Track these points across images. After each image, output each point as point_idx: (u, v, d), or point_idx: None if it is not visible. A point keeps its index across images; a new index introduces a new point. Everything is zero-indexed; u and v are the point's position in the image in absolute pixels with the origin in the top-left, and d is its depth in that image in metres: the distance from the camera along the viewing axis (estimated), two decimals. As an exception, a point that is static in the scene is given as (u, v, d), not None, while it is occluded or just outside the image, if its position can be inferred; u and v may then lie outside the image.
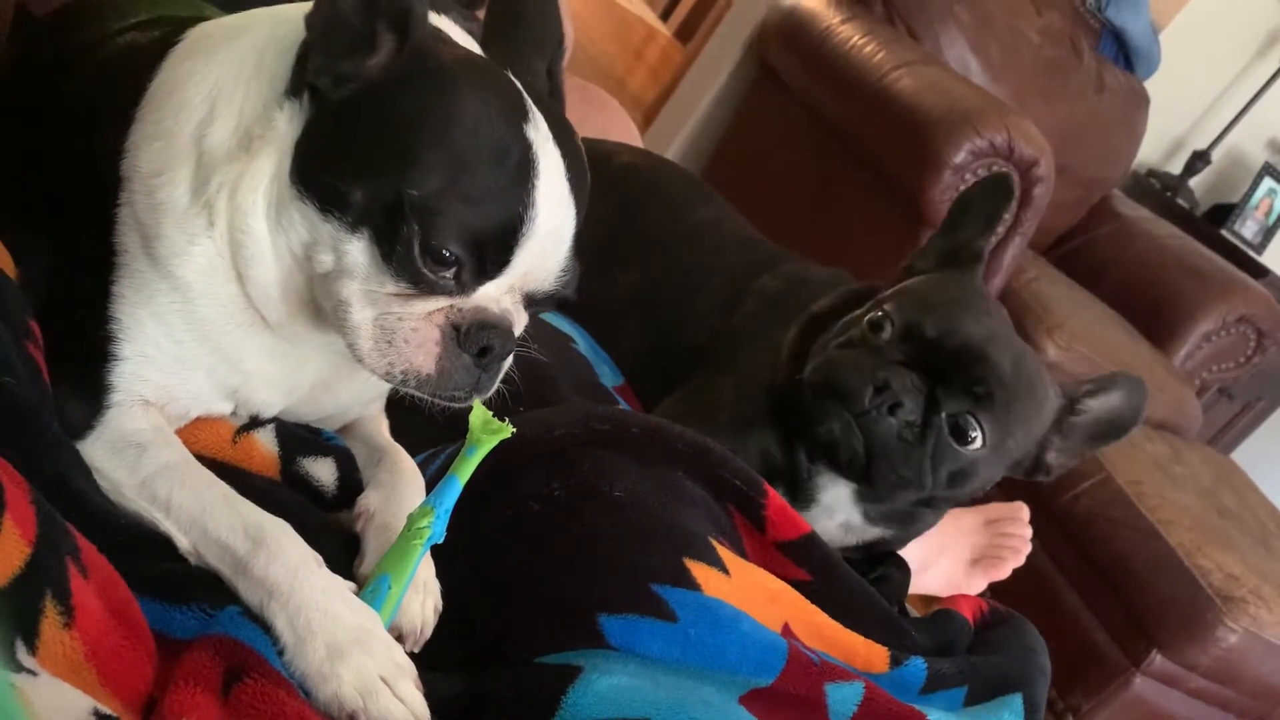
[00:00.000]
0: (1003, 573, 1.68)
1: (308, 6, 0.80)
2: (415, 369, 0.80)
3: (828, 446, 1.23)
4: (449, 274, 0.78)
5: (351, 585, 0.79)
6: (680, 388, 1.41)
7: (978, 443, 1.19)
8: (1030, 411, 1.22)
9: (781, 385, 1.32)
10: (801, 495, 1.31)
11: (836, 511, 1.32)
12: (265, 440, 0.92)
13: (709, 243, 1.55)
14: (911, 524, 1.37)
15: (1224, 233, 3.76)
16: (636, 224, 1.56)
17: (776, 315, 1.40)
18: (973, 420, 1.18)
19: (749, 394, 1.34)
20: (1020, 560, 1.69)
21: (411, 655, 0.78)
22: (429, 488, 0.92)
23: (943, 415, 1.19)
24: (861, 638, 1.05)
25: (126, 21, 0.96)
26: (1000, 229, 2.46)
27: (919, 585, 1.62)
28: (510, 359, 0.85)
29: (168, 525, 0.78)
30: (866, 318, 1.25)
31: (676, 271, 1.51)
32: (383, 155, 0.77)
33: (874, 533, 1.35)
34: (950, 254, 1.34)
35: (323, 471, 0.94)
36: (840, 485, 1.30)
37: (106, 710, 0.62)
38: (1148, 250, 3.33)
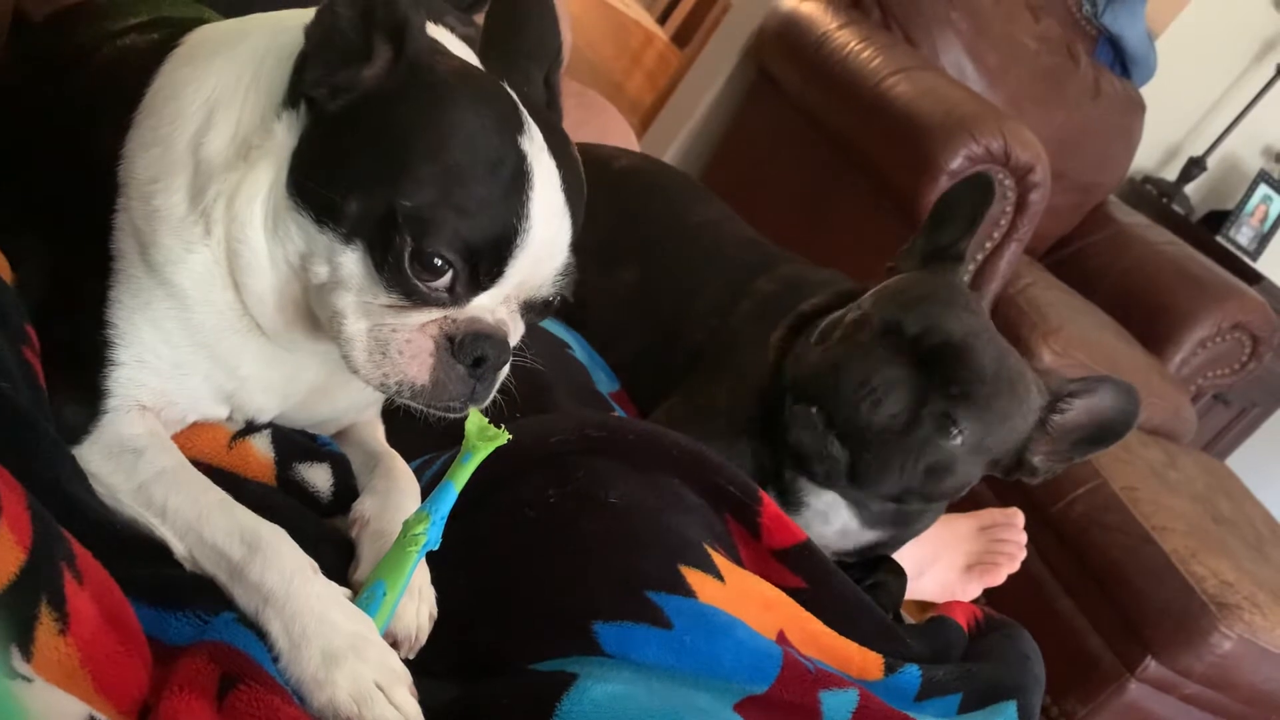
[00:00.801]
0: (998, 579, 1.68)
1: (307, 14, 0.80)
2: (410, 380, 0.80)
3: (797, 457, 1.24)
4: (442, 285, 0.78)
5: (347, 591, 0.79)
6: (677, 391, 1.41)
7: (959, 438, 1.20)
8: (1011, 408, 1.22)
9: (768, 388, 1.32)
10: (791, 500, 1.32)
11: (831, 517, 1.32)
12: (261, 446, 0.92)
13: (708, 245, 1.55)
14: (908, 524, 1.38)
15: (1219, 239, 3.77)
16: (636, 227, 1.56)
17: (772, 317, 1.40)
18: (954, 415, 1.19)
19: (743, 397, 1.34)
20: (1015, 566, 1.69)
21: (406, 662, 0.78)
22: (424, 494, 0.92)
23: (925, 410, 1.19)
24: (856, 645, 1.05)
25: (125, 23, 0.96)
26: (993, 233, 2.46)
27: (914, 591, 1.62)
28: (506, 368, 0.85)
29: (163, 531, 0.78)
30: (847, 318, 1.25)
31: (676, 274, 1.51)
32: (377, 166, 0.77)
33: (870, 536, 1.35)
34: (933, 254, 1.35)
35: (318, 477, 0.94)
36: (829, 492, 1.30)
37: (101, 717, 0.62)
38: (1143, 256, 3.34)
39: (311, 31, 0.79)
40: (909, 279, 1.31)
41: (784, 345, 1.34)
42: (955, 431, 1.19)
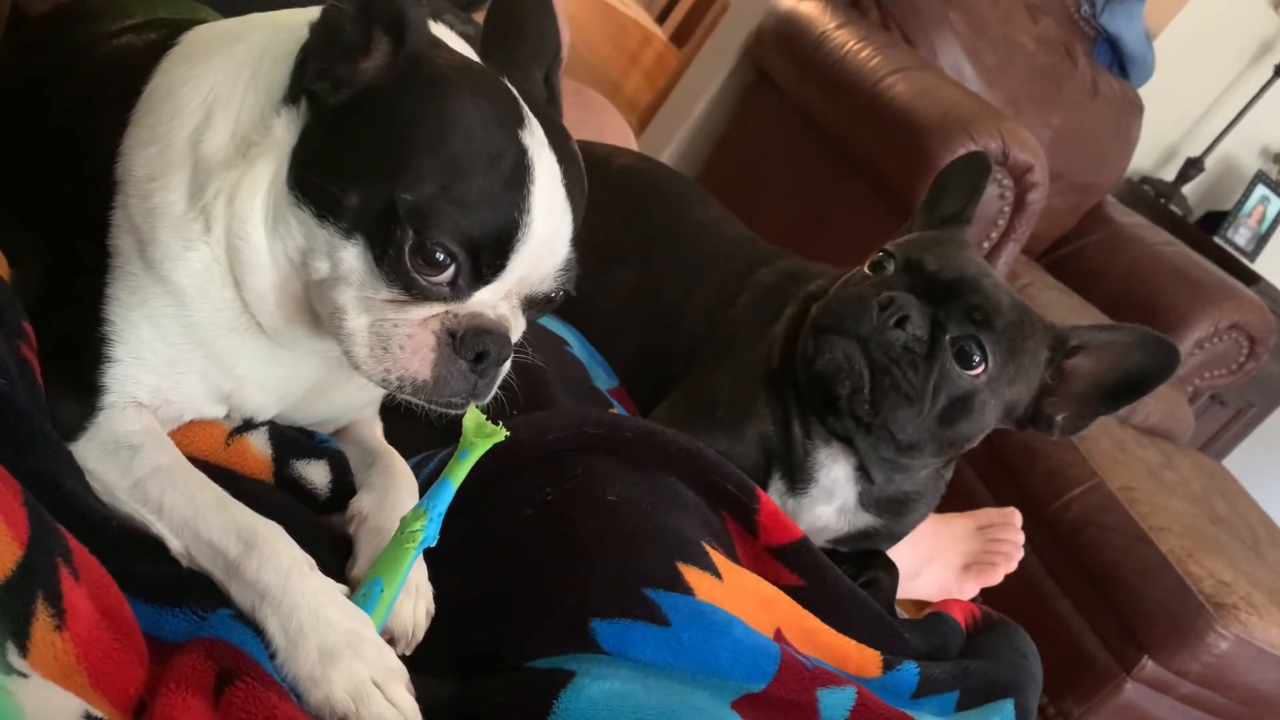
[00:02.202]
0: (995, 578, 1.68)
1: (306, 13, 0.80)
2: (411, 375, 0.80)
3: (831, 379, 1.22)
4: (443, 279, 0.78)
5: (343, 588, 0.79)
6: (677, 386, 1.41)
7: (981, 368, 1.20)
8: (1025, 343, 1.22)
9: (778, 365, 1.33)
10: (800, 477, 1.32)
11: (834, 494, 1.33)
12: (258, 443, 0.92)
13: (707, 244, 1.56)
14: (903, 515, 1.38)
15: (1217, 240, 3.78)
16: (635, 226, 1.56)
17: (770, 308, 1.41)
18: (975, 344, 1.19)
19: (744, 384, 1.35)
20: (1012, 566, 1.69)
21: (403, 659, 0.78)
22: (422, 491, 0.92)
23: (947, 338, 1.20)
24: (854, 642, 1.05)
25: (121, 23, 0.96)
26: (991, 233, 2.47)
27: (911, 591, 1.62)
28: (508, 364, 0.85)
29: (160, 527, 0.78)
30: (866, 263, 1.27)
31: (675, 273, 1.52)
32: (377, 160, 0.77)
33: (866, 520, 1.36)
34: (939, 223, 1.37)
35: (315, 474, 0.94)
36: (838, 465, 1.31)
37: (97, 713, 0.61)
38: (1141, 257, 3.34)
39: (316, 26, 0.79)
40: (921, 234, 1.33)
41: (794, 325, 1.34)
42: (977, 360, 1.19)
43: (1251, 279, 3.57)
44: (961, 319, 1.20)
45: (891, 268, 1.25)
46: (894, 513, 1.37)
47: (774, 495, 1.32)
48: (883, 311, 1.20)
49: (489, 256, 0.78)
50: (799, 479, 1.32)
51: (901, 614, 1.32)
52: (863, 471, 1.31)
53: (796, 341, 1.31)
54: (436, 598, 0.87)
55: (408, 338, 0.79)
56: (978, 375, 1.20)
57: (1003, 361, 1.21)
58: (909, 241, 1.29)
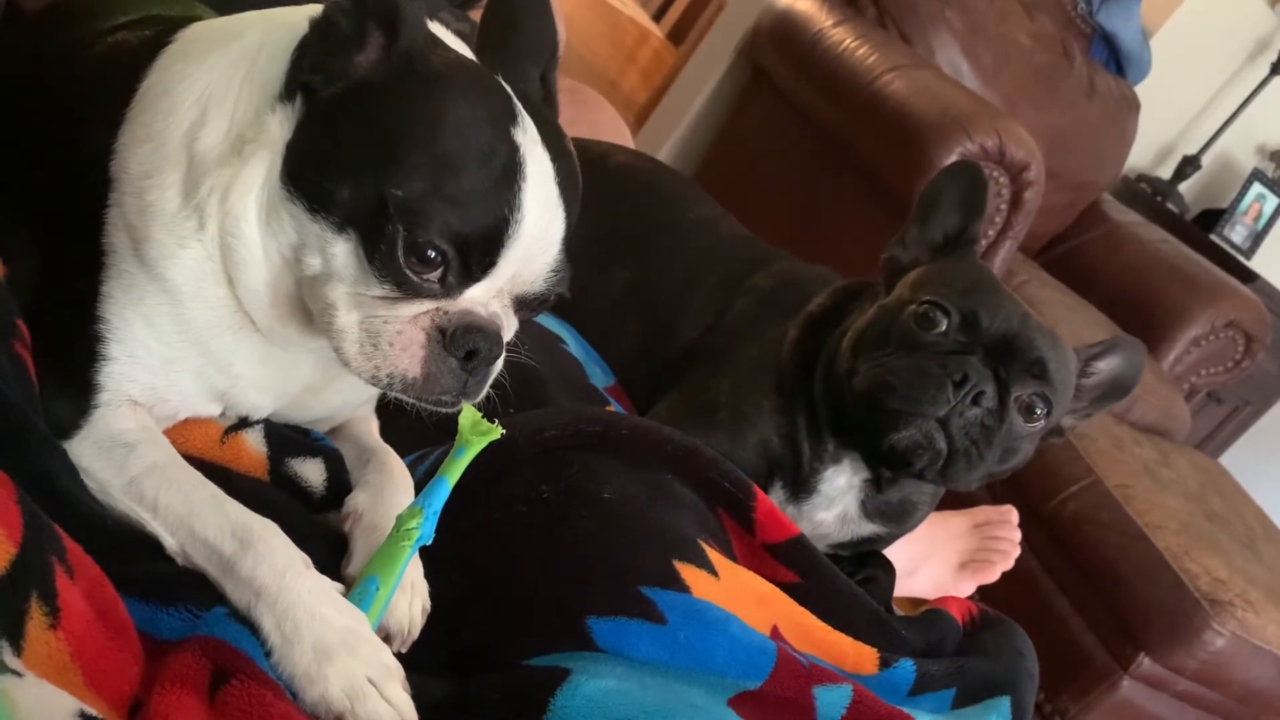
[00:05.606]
0: (991, 576, 1.68)
1: (304, 10, 0.80)
2: (401, 372, 0.79)
3: (908, 452, 1.22)
4: (433, 276, 0.78)
5: (339, 586, 0.79)
6: (675, 388, 1.42)
7: (1042, 420, 1.23)
8: (1070, 379, 1.26)
9: (791, 386, 1.33)
10: (803, 487, 1.33)
11: (835, 502, 1.33)
12: (253, 441, 0.92)
13: (704, 243, 1.56)
14: (904, 521, 1.39)
15: (1213, 237, 3.78)
16: (632, 224, 1.56)
17: (769, 312, 1.42)
18: (1040, 399, 1.22)
19: (746, 390, 1.35)
20: (1009, 564, 1.70)
21: (399, 657, 0.78)
22: (418, 489, 0.92)
23: (1013, 398, 1.21)
24: (850, 639, 1.05)
25: (116, 20, 0.96)
26: (988, 231, 2.47)
27: (907, 589, 1.63)
28: (500, 363, 0.84)
29: (155, 525, 0.78)
30: (911, 313, 1.24)
31: (672, 271, 1.52)
32: (368, 155, 0.77)
33: (869, 528, 1.36)
34: (943, 244, 1.35)
35: (311, 472, 0.94)
36: (842, 476, 1.32)
37: (92, 712, 0.61)
38: (1137, 255, 3.35)
39: (315, 20, 0.79)
40: (949, 270, 1.31)
41: (801, 347, 1.35)
42: (1039, 413, 1.22)
43: (1248, 277, 3.58)
44: (1024, 377, 1.21)
45: (945, 325, 1.23)
46: (896, 520, 1.37)
47: (773, 501, 1.32)
48: (958, 389, 1.19)
49: (479, 254, 0.78)
50: (800, 488, 1.33)
51: (898, 611, 1.32)
52: (871, 482, 1.32)
53: (811, 366, 1.32)
54: (432, 595, 0.87)
55: (397, 334, 0.79)
56: (1037, 424, 1.23)
57: (1058, 407, 1.24)
58: (950, 288, 1.26)
